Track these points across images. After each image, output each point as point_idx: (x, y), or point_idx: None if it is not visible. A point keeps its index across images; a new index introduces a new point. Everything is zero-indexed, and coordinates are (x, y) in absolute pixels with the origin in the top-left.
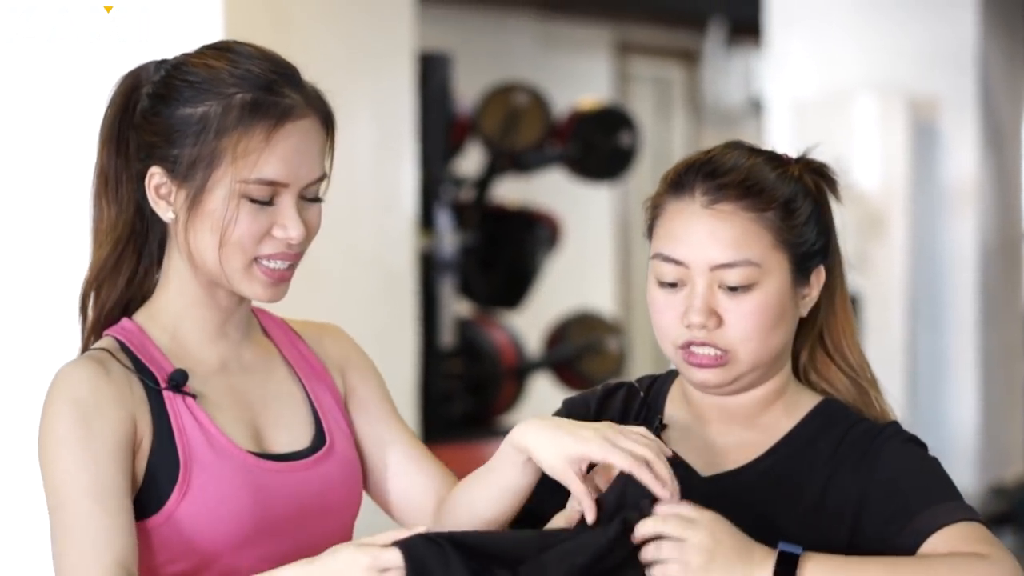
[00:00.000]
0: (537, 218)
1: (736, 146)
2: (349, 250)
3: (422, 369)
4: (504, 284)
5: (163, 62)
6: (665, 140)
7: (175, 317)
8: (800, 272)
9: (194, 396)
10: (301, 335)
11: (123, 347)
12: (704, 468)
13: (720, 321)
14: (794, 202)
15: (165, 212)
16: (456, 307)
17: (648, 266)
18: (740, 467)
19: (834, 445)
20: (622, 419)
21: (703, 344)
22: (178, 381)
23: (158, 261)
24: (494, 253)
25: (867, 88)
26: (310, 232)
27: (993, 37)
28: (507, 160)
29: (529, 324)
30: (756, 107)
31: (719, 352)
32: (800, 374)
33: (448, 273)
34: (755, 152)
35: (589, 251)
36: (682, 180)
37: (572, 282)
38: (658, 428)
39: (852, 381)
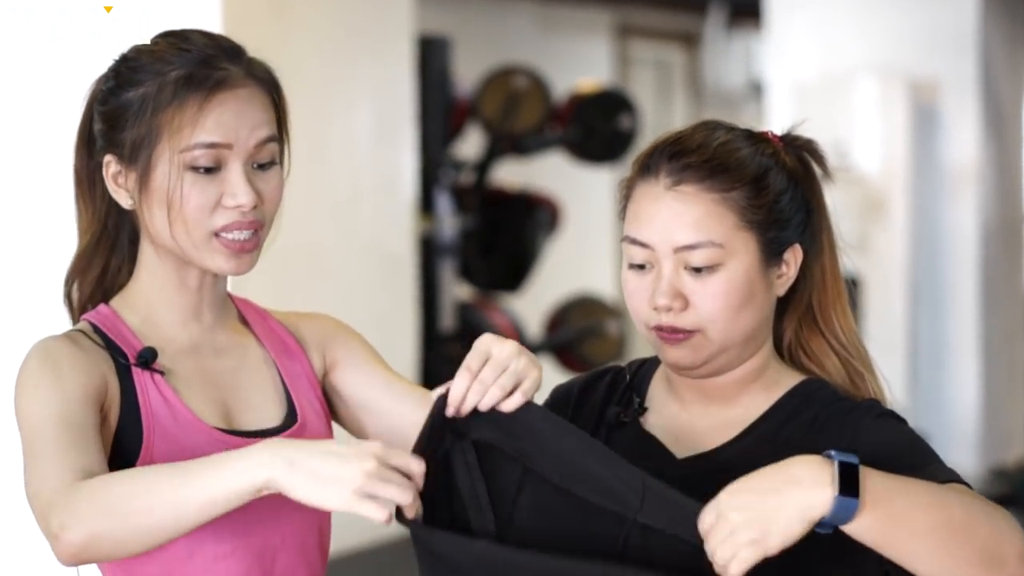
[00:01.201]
0: (537, 201)
1: (707, 125)
2: (349, 234)
3: (422, 353)
4: (504, 268)
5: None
6: (665, 123)
7: (148, 301)
8: (771, 252)
9: (162, 373)
10: (281, 321)
11: (96, 329)
12: (680, 450)
13: (686, 303)
14: (763, 180)
15: (125, 200)
16: (456, 291)
17: (621, 248)
18: (714, 448)
19: (809, 423)
20: (604, 403)
21: (671, 328)
22: (147, 358)
23: (132, 252)
24: (494, 237)
25: (867, 70)
26: (266, 200)
27: (993, 20)
28: (507, 143)
29: (529, 308)
30: (756, 90)
31: (687, 334)
32: (785, 353)
33: (448, 257)
34: (728, 130)
35: (589, 234)
36: (649, 162)
37: (572, 266)
38: (636, 411)
39: (843, 362)
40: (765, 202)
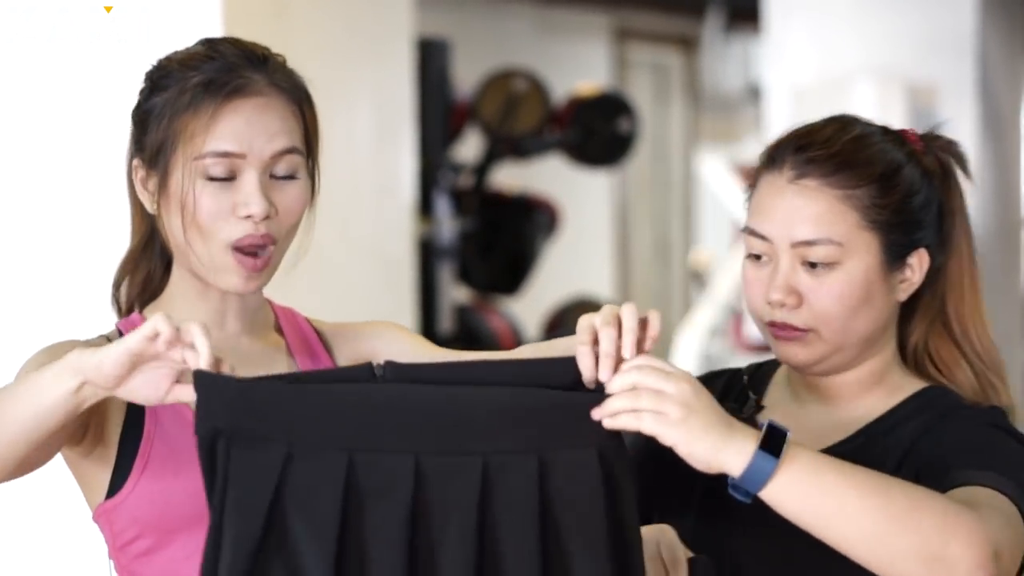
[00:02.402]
0: (536, 204)
1: (841, 120)
2: (348, 236)
3: None
4: (503, 270)
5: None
6: (663, 126)
7: (174, 309)
8: (894, 255)
9: None
10: (319, 330)
11: (121, 334)
12: None
13: (801, 300)
14: (891, 179)
15: (149, 204)
16: (455, 293)
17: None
18: (824, 449)
19: (923, 428)
20: (721, 398)
21: (784, 325)
22: None
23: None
24: (493, 239)
25: (866, 74)
26: (282, 213)
27: (992, 24)
28: (506, 146)
29: (528, 310)
30: (755, 93)
31: (801, 332)
32: (910, 359)
33: (447, 259)
34: (862, 126)
35: (588, 237)
36: (776, 153)
37: (570, 268)
38: (753, 408)
39: (977, 373)
40: (891, 202)
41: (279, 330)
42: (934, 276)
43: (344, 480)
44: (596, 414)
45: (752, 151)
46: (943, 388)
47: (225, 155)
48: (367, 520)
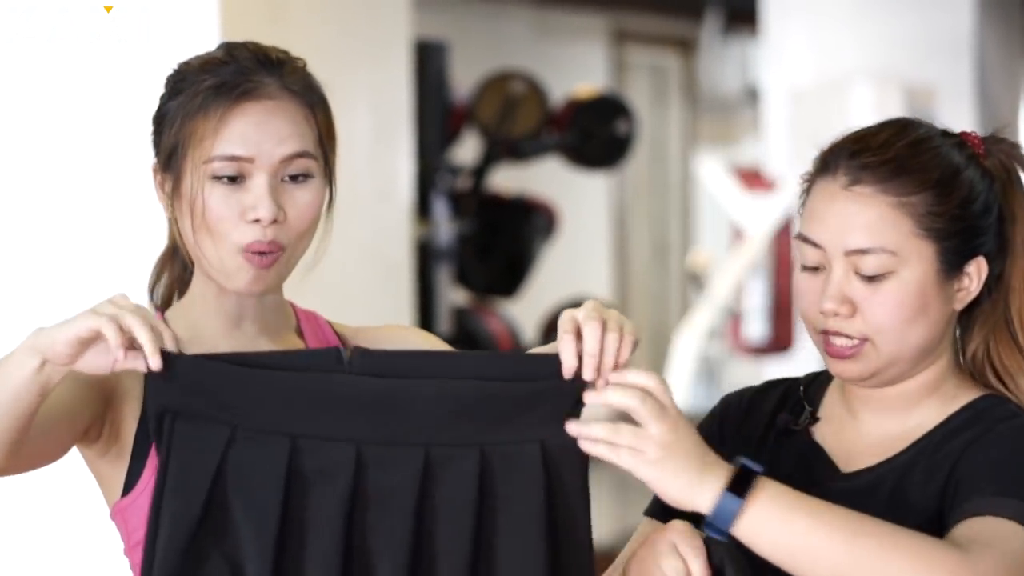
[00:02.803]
0: (534, 206)
1: (897, 123)
2: (345, 239)
3: None
4: (501, 272)
5: None
6: (661, 128)
7: (195, 311)
8: (950, 263)
9: None
10: (343, 337)
11: None
12: (847, 463)
13: (854, 309)
14: (948, 186)
15: (166, 206)
16: (452, 296)
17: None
18: (878, 463)
19: (974, 438)
20: (775, 412)
21: (837, 333)
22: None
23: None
24: (491, 241)
25: (863, 76)
26: (292, 217)
27: (990, 25)
28: (504, 148)
29: (526, 312)
30: (752, 95)
31: (854, 342)
32: (970, 368)
33: (445, 262)
34: (920, 129)
35: (585, 239)
36: (829, 158)
37: (568, 270)
38: (807, 420)
39: None
40: (947, 210)
41: (300, 333)
42: (995, 283)
43: (286, 464)
44: (572, 430)
45: (750, 153)
46: (999, 397)
47: (234, 159)
48: (307, 504)
